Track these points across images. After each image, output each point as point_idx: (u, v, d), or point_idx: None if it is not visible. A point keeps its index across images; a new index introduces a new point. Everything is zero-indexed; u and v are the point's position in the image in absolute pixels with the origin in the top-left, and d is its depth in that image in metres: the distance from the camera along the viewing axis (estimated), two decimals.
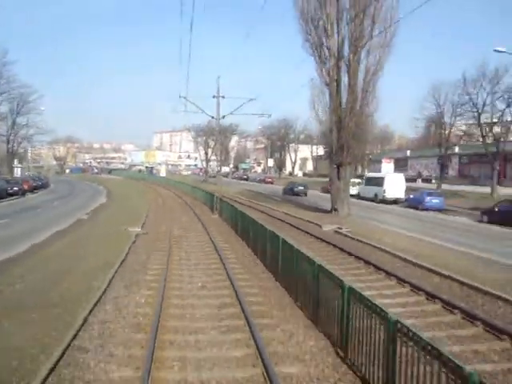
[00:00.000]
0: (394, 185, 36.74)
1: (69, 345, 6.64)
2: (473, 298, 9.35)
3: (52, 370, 5.78)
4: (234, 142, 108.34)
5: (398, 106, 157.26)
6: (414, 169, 64.25)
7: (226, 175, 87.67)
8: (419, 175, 56.71)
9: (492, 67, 35.86)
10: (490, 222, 23.63)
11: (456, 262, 12.78)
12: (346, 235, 17.57)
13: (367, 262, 12.51)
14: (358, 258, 13.19)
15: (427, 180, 53.62)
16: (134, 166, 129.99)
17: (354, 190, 42.53)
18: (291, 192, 44.83)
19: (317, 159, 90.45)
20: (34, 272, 11.49)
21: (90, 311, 8.20)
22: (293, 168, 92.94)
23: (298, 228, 19.21)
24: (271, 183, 69.50)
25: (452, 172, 55.58)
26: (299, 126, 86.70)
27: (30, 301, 8.90)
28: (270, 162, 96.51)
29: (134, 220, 20.60)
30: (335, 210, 23.59)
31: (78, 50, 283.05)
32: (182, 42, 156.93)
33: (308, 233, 17.91)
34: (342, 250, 14.52)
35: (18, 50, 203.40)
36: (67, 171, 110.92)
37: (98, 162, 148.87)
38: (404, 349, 4.68)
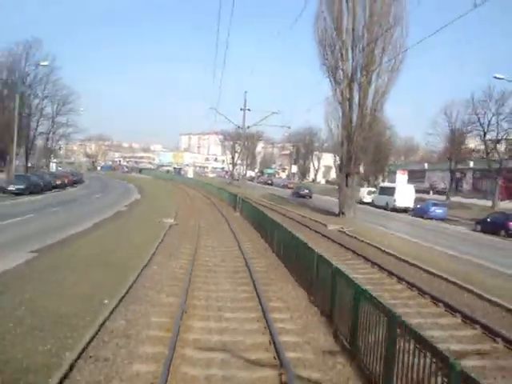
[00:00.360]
0: (405, 195, 39.54)
1: (131, 286, 10.02)
2: (418, 274, 12.43)
3: (126, 293, 9.23)
4: (259, 147, 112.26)
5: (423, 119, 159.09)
6: (430, 181, 66.59)
7: (252, 179, 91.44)
8: (432, 187, 59.14)
9: (498, 89, 38.63)
10: (483, 230, 26.33)
11: (427, 255, 15.82)
12: (346, 233, 20.69)
13: (355, 252, 15.67)
14: (350, 250, 16.33)
15: (442, 192, 55.93)
16: (162, 166, 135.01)
17: (368, 199, 45.88)
18: (297, 194, 52.20)
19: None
20: (93, 245, 14.94)
21: (142, 269, 11.59)
22: (315, 175, 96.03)
23: (305, 225, 22.42)
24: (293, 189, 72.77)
25: (466, 186, 58.02)
26: (323, 135, 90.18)
27: (97, 262, 12.34)
28: (294, 169, 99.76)
29: (166, 214, 24.10)
30: (342, 213, 26.68)
31: (107, 46, 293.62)
32: (217, 52, 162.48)
33: (314, 230, 21.10)
34: (339, 244, 17.66)
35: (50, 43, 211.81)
36: (98, 168, 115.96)
37: (127, 161, 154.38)
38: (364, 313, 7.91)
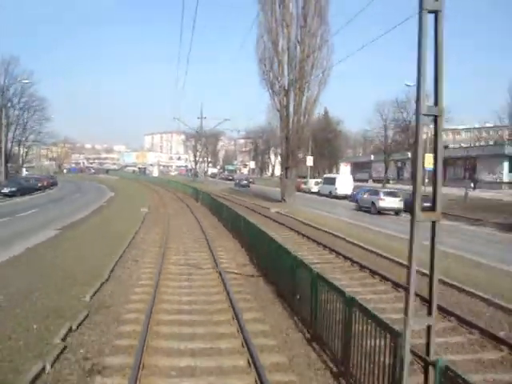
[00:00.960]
0: (344, 184, 46.39)
1: (129, 244, 15.75)
2: (321, 234, 18.78)
3: (126, 248, 15.03)
4: (220, 145, 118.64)
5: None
6: (376, 171, 74.63)
7: (214, 176, 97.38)
8: (370, 176, 67.44)
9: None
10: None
11: (334, 223, 22.28)
12: (281, 214, 26.99)
13: (283, 224, 21.92)
14: (280, 223, 22.53)
15: (381, 181, 63.71)
16: (127, 166, 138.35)
17: (315, 189, 52.72)
18: (239, 185, 62.40)
19: None
20: (92, 227, 20.48)
21: (133, 237, 17.28)
22: (273, 170, 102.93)
23: (253, 210, 28.50)
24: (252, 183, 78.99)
25: (406, 174, 66.38)
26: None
27: (103, 233, 17.96)
28: (252, 164, 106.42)
29: (140, 205, 29.72)
30: (284, 200, 33.02)
31: (74, 49, 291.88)
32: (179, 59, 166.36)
33: (258, 212, 27.23)
34: (273, 219, 23.84)
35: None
36: (64, 171, 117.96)
37: (91, 163, 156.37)
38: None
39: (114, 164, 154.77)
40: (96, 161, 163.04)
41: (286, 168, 33.17)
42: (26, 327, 7.27)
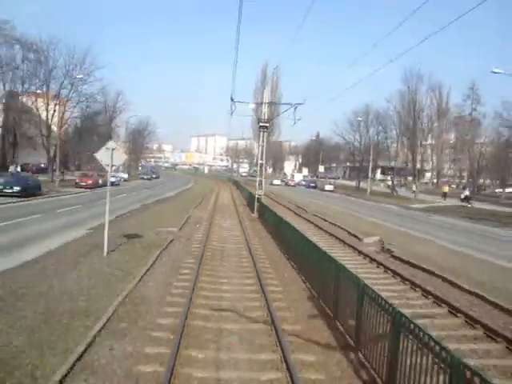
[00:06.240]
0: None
1: (186, 221, 25.84)
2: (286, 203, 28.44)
3: (185, 221, 25.26)
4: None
5: None
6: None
7: (246, 175, 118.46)
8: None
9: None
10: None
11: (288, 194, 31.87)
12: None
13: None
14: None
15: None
16: (177, 165, 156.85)
17: (278, 182, 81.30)
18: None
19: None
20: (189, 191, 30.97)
21: (189, 216, 27.45)
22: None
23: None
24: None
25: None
26: None
27: (198, 190, 28.39)
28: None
29: (209, 182, 41.68)
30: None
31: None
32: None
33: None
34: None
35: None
36: (140, 168, 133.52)
37: (148, 161, 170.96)
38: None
39: (166, 162, 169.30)
40: (152, 159, 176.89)
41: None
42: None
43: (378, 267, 14.70)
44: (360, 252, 17.13)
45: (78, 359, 6.40)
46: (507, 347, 8.11)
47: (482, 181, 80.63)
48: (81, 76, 48.62)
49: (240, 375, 6.45)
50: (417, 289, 11.89)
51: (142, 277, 11.34)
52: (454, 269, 14.28)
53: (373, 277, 12.90)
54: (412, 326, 5.43)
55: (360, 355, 7.11)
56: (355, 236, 21.09)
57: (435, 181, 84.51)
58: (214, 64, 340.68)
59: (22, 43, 50.55)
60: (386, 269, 14.21)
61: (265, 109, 31.45)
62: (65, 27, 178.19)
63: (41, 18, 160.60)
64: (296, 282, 12.08)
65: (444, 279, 12.91)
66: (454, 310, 10.09)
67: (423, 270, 14.13)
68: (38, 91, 54.32)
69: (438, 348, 4.82)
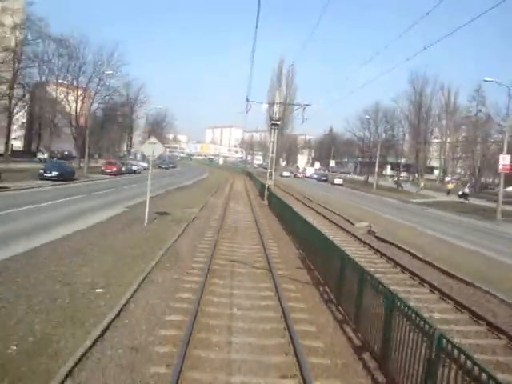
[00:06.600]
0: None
1: (205, 205, 29.72)
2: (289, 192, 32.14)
3: (204, 205, 29.14)
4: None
5: None
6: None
7: (259, 166, 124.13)
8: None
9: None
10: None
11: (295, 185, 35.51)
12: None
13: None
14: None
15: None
16: (192, 155, 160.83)
17: (287, 173, 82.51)
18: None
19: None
20: (205, 180, 34.94)
21: (207, 201, 31.33)
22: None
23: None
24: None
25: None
26: None
27: (212, 180, 32.32)
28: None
29: (224, 172, 45.16)
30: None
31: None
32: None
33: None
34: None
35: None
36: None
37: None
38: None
39: (182, 153, 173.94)
40: (168, 149, 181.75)
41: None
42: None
43: (360, 243, 18.39)
44: (348, 232, 20.83)
45: (146, 277, 10.32)
46: (431, 290, 11.77)
47: (490, 180, 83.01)
48: (110, 72, 52.64)
49: (247, 292, 10.26)
50: (383, 257, 15.58)
51: (175, 240, 15.23)
52: (419, 246, 17.90)
53: (353, 248, 16.65)
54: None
55: (326, 288, 10.87)
56: (349, 221, 24.73)
57: (445, 178, 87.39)
58: (230, 59, 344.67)
59: (54, 39, 54.69)
60: (365, 244, 17.91)
61: (276, 108, 35.07)
62: (91, 22, 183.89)
63: (70, 15, 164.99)
64: (291, 249, 15.85)
65: (408, 252, 16.56)
66: (405, 271, 13.74)
67: (396, 246, 17.77)
68: (65, 82, 58.63)
69: (418, 319, 5.70)
